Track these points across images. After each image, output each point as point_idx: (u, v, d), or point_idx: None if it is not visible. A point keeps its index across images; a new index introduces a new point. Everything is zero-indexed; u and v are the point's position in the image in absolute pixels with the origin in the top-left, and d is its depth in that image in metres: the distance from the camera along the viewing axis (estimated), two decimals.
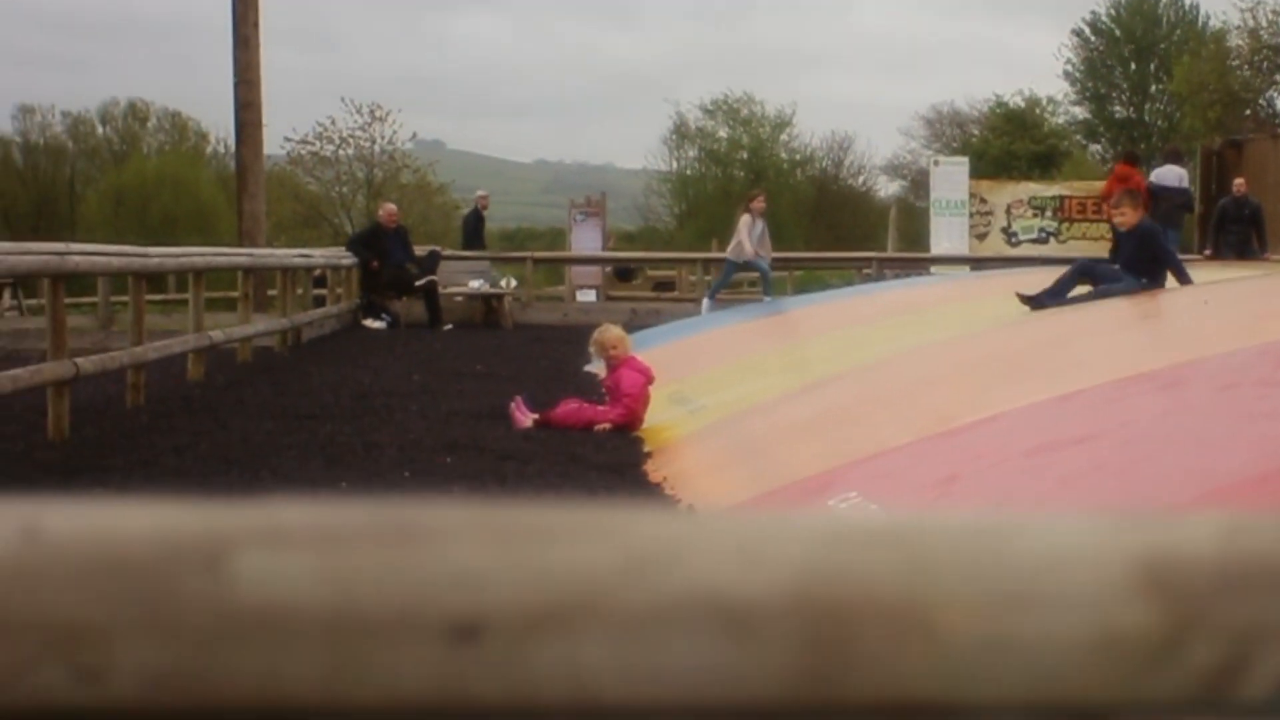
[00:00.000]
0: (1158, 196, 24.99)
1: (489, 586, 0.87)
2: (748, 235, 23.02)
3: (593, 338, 12.16)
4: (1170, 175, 25.46)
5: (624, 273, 33.09)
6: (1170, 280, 13.75)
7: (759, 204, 24.19)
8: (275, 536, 0.87)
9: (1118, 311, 13.08)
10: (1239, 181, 25.99)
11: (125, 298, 15.39)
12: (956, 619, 0.91)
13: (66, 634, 0.84)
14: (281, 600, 0.86)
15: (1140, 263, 13.51)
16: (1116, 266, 13.72)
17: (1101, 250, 29.25)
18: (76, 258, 11.68)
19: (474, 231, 31.30)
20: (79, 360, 11.37)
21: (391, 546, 0.88)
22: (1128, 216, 13.69)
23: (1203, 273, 17.15)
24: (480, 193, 33.62)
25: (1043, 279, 14.04)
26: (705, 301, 24.12)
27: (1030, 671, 0.91)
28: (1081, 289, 13.60)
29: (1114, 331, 12.19)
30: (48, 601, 0.84)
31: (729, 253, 23.62)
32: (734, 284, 35.72)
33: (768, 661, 0.89)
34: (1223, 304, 12.41)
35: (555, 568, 0.88)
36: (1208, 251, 25.52)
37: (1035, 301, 13.43)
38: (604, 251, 31.96)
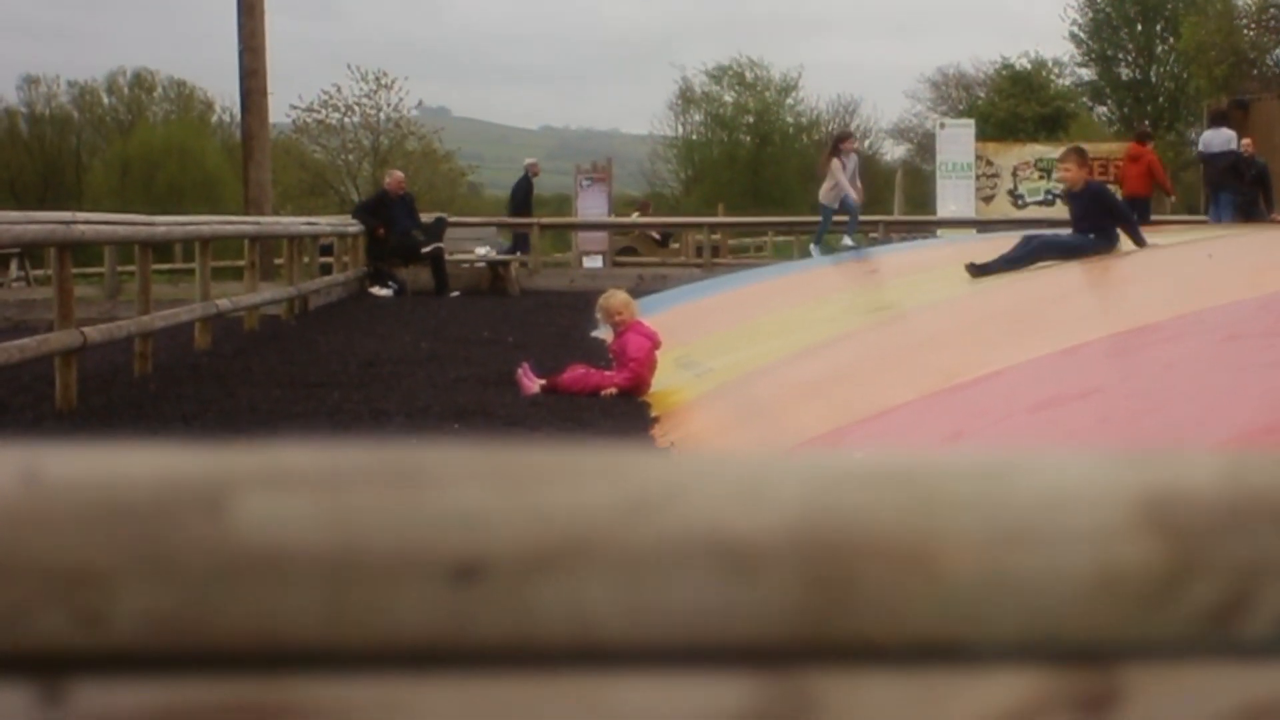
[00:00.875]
0: (1207, 161, 24.85)
1: (490, 527, 0.87)
2: (843, 177, 22.29)
3: (599, 303, 12.11)
4: (1219, 139, 25.21)
5: (664, 238, 33.05)
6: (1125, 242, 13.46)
7: (849, 144, 23.48)
8: (276, 479, 0.87)
9: (1120, 266, 13.07)
10: (1246, 141, 25.76)
11: (132, 268, 15.38)
12: (958, 557, 0.90)
13: (67, 578, 0.84)
14: (282, 542, 0.86)
15: (1089, 222, 13.28)
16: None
17: None
18: (82, 227, 11.65)
19: (523, 199, 31.24)
20: (86, 330, 11.35)
21: (392, 488, 0.88)
22: (1073, 173, 13.40)
23: (1204, 234, 17.13)
24: (530, 160, 33.59)
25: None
26: (813, 248, 23.54)
27: (1032, 609, 0.91)
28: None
29: (1117, 286, 12.18)
30: (48, 545, 0.84)
31: (823, 198, 22.80)
32: (739, 249, 35.71)
33: (769, 600, 0.89)
34: (1225, 257, 12.40)
35: (556, 508, 0.88)
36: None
37: (981, 269, 13.26)
38: (610, 218, 31.88)
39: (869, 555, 0.90)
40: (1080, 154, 14.11)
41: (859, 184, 23.25)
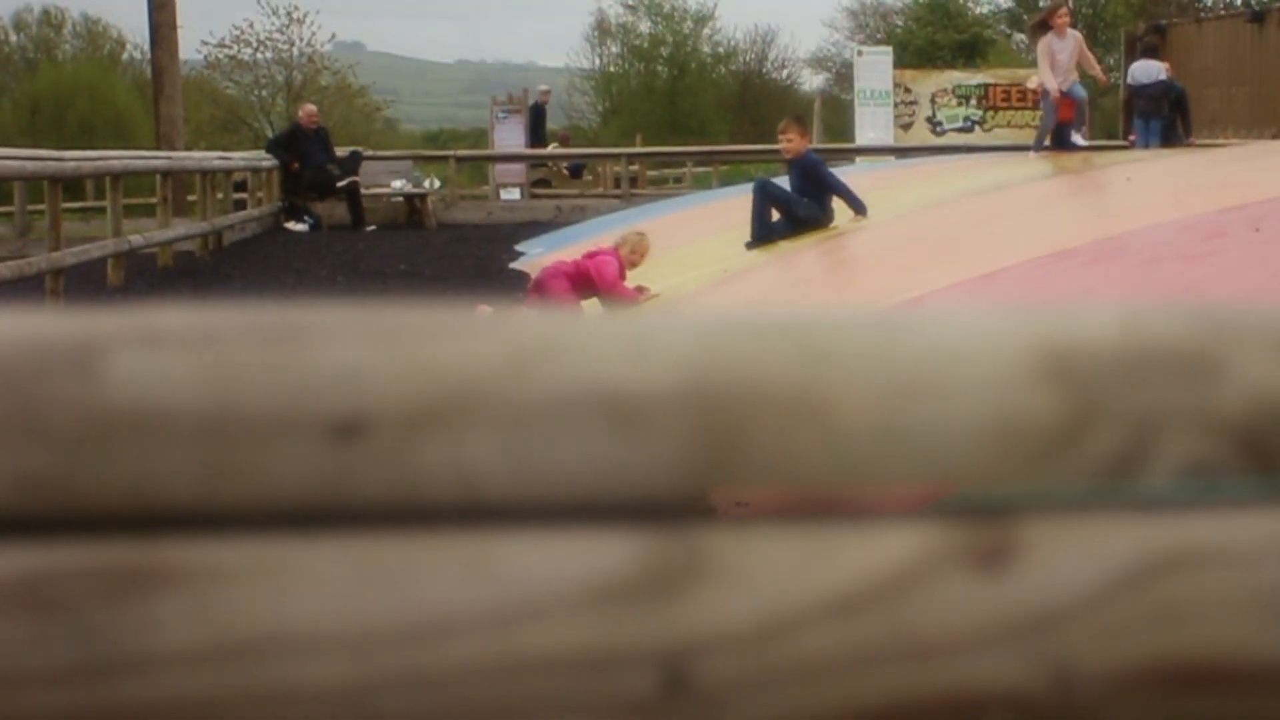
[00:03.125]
0: (1136, 93, 24.91)
1: (371, 384, 0.85)
2: (1059, 59, 18.53)
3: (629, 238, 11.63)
4: (1146, 71, 25.25)
5: (575, 169, 32.87)
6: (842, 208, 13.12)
7: (1062, 18, 19.00)
8: (150, 338, 0.84)
9: (1041, 191, 13.11)
10: (1164, 65, 25.87)
11: (43, 207, 15.21)
12: (851, 409, 0.89)
13: None
14: (156, 401, 0.83)
15: (806, 191, 13.08)
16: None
17: (1026, 138, 29.34)
18: None
19: (535, 128, 31.17)
20: None
21: (271, 346, 0.85)
22: (794, 144, 13.02)
23: (1128, 157, 17.22)
24: (542, 88, 33.49)
25: (959, 166, 13.97)
26: (1031, 154, 19.83)
27: (927, 460, 0.90)
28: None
29: (1036, 210, 12.22)
30: None
31: (1039, 86, 19.50)
32: (658, 180, 35.60)
33: (658, 455, 0.87)
34: (1145, 180, 12.46)
35: (439, 364, 0.86)
36: (1132, 137, 25.51)
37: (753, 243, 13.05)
38: (526, 149, 31.73)
39: (759, 408, 0.88)
40: (800, 124, 13.65)
41: (1091, 60, 19.36)
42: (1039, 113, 29.59)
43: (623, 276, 10.96)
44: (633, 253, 11.22)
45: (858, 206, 12.92)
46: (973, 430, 0.90)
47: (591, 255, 11.14)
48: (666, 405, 0.87)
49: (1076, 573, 0.90)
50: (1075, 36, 19.26)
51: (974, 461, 0.90)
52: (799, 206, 12.81)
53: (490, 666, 0.84)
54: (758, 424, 0.88)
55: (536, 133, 31.14)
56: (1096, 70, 19.99)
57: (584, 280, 10.91)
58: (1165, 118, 24.32)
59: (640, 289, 11.03)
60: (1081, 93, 20.28)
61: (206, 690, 0.83)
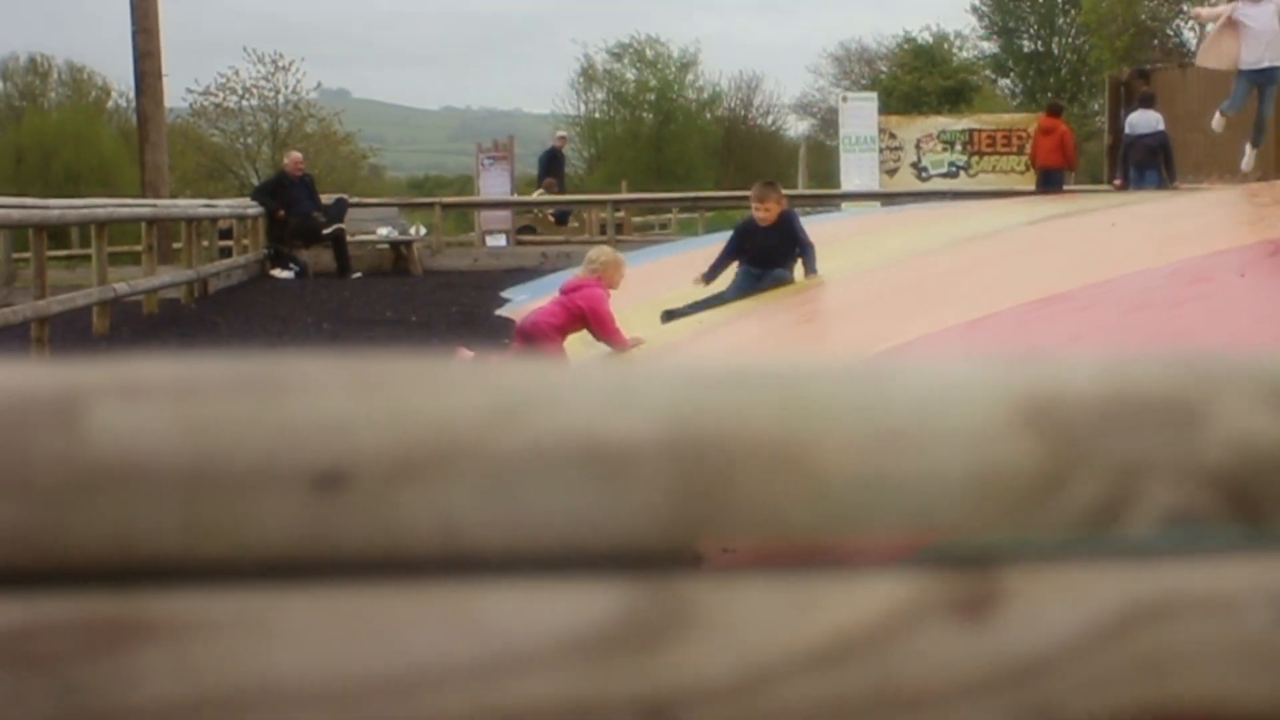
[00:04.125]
0: (1133, 142, 24.98)
1: (353, 434, 0.85)
2: (1251, 28, 16.32)
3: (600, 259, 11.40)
4: (1145, 121, 25.29)
5: (561, 216, 32.89)
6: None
7: None
8: (131, 389, 0.84)
9: (1027, 237, 13.14)
10: (1160, 117, 25.82)
11: (28, 255, 15.20)
12: (834, 459, 0.89)
13: None
14: (138, 452, 0.83)
15: (781, 250, 12.55)
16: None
17: (1011, 182, 29.41)
18: None
19: (548, 172, 31.32)
20: None
21: (252, 396, 0.85)
22: (771, 211, 12.45)
23: (1115, 201, 17.26)
24: (560, 133, 33.61)
25: (945, 212, 13.99)
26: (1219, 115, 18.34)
27: (910, 510, 0.90)
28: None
29: (1023, 255, 12.24)
30: None
31: (1206, 60, 17.72)
32: (644, 227, 35.62)
33: (641, 504, 0.87)
34: (1131, 226, 12.48)
35: (421, 414, 0.86)
36: (1118, 182, 25.57)
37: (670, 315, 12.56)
38: (513, 196, 31.77)
39: (742, 458, 0.88)
40: (776, 190, 12.97)
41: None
42: (1023, 158, 29.69)
43: (608, 295, 10.90)
44: (608, 274, 11.09)
45: (812, 267, 12.55)
46: (955, 480, 0.90)
47: (574, 288, 11.03)
48: (649, 455, 0.87)
49: (1060, 622, 0.90)
50: (1273, 4, 16.87)
51: (957, 511, 0.90)
52: (766, 279, 12.50)
53: (472, 718, 0.84)
54: (741, 474, 0.88)
55: (552, 175, 31.30)
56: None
57: (574, 318, 10.84)
58: (1159, 168, 24.39)
59: (635, 339, 10.93)
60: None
61: None
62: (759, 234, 12.60)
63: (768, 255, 12.56)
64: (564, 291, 11.07)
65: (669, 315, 12.45)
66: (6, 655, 0.81)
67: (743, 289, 12.54)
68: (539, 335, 10.69)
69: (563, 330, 10.79)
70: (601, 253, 11.49)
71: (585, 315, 10.76)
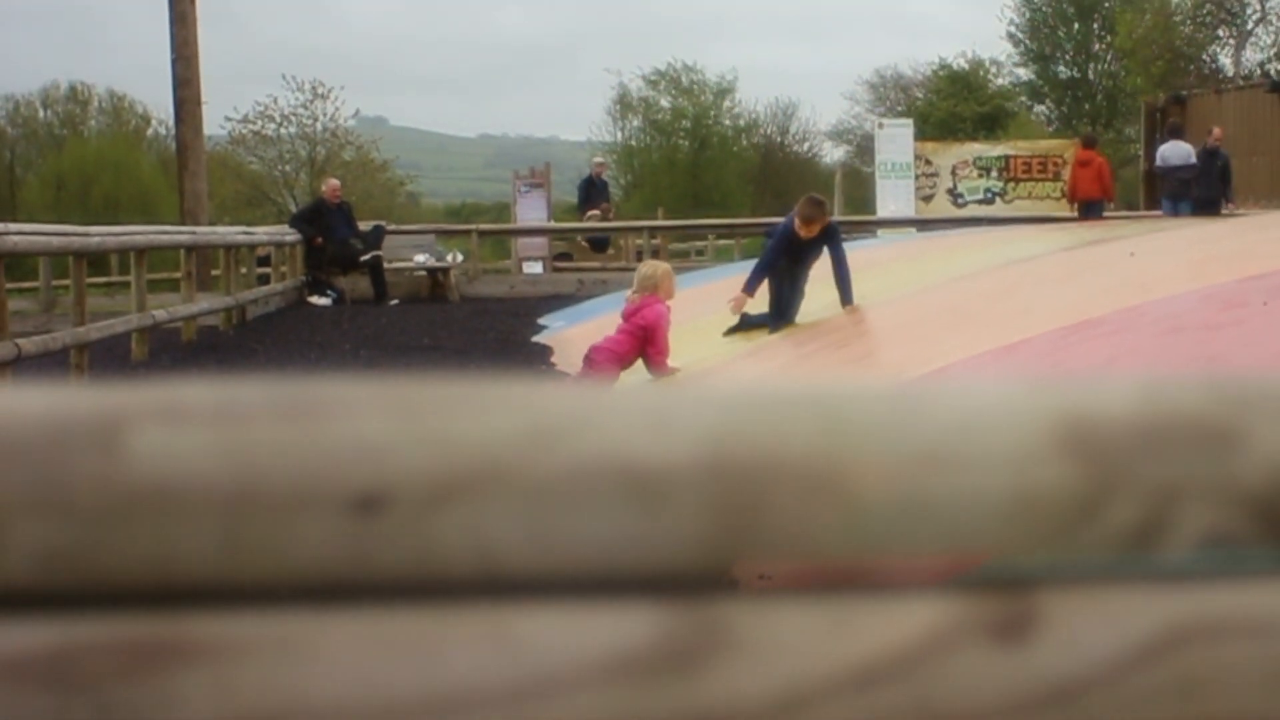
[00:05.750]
0: (1166, 174, 24.82)
1: (392, 458, 0.85)
2: None
3: (654, 274, 11.43)
4: (1177, 153, 25.05)
5: (600, 243, 32.90)
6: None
7: None
8: (171, 413, 0.85)
9: (1061, 262, 13.12)
10: (1217, 131, 25.16)
11: (68, 281, 15.27)
12: (871, 481, 0.89)
13: None
14: (177, 476, 0.83)
15: (818, 257, 12.59)
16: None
17: (1046, 209, 29.33)
18: (15, 237, 11.55)
19: (588, 198, 31.43)
20: (20, 341, 11.26)
21: (291, 421, 0.86)
22: (815, 230, 12.34)
23: (1156, 226, 17.22)
24: (597, 159, 33.69)
25: (981, 238, 13.94)
26: None
27: (947, 532, 0.90)
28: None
29: (1059, 281, 12.22)
30: None
31: None
32: (680, 254, 35.62)
33: (678, 528, 0.87)
34: (1166, 250, 12.46)
35: (460, 438, 0.86)
36: (1157, 214, 25.32)
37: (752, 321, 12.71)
38: (550, 223, 31.81)
39: (779, 481, 0.88)
40: (824, 210, 12.91)
41: None
42: (1060, 184, 29.61)
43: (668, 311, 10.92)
44: (663, 286, 11.11)
45: (849, 297, 12.48)
46: (992, 502, 0.90)
47: (636, 310, 10.98)
48: (686, 478, 0.87)
49: (1097, 644, 0.90)
50: None
51: (994, 533, 0.90)
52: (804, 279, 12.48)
53: None
54: (777, 497, 0.88)
55: (591, 204, 31.32)
56: None
57: (636, 343, 10.80)
58: (1193, 200, 24.16)
59: (673, 369, 10.89)
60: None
61: None
62: (802, 245, 12.57)
63: (807, 262, 12.57)
64: (626, 318, 11.07)
65: (735, 329, 12.54)
66: (48, 676, 0.82)
67: (794, 298, 12.54)
68: (599, 362, 10.66)
69: (623, 359, 10.77)
70: (653, 268, 11.48)
71: (647, 332, 10.75)
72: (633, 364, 10.78)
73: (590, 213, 31.46)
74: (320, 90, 55.66)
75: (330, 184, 26.10)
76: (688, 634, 0.86)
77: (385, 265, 24.70)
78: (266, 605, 0.84)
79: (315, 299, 23.80)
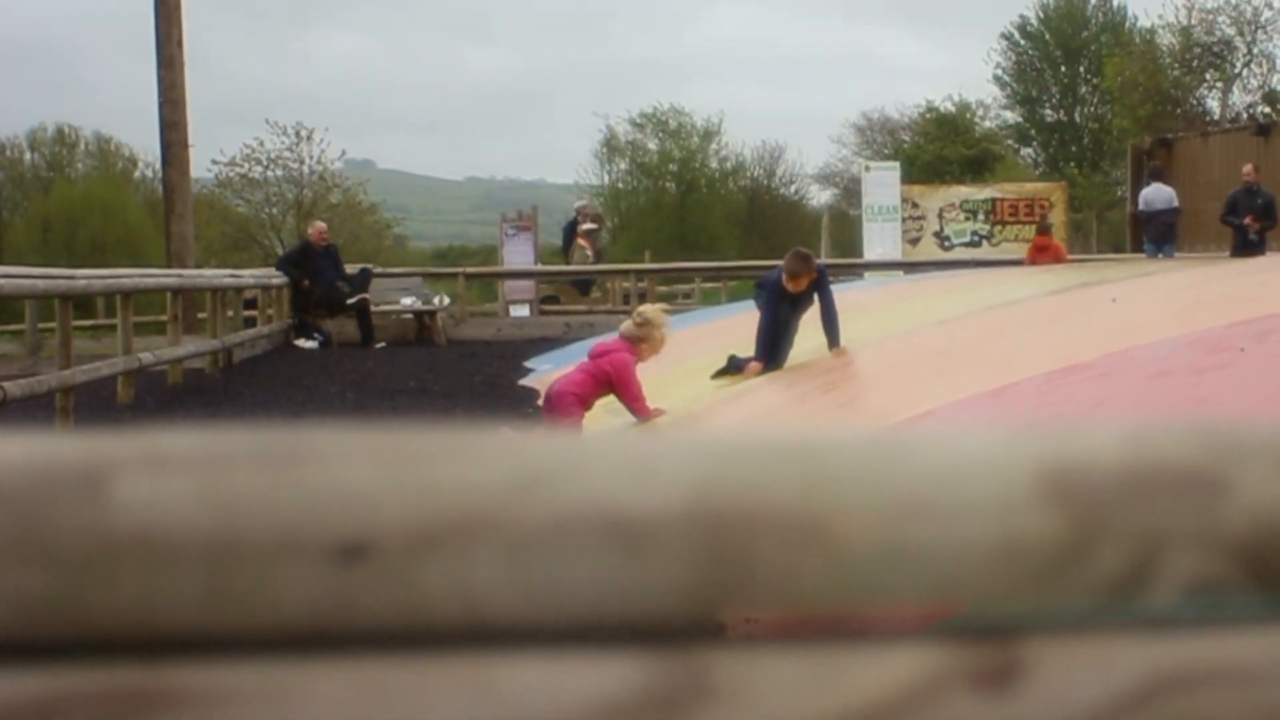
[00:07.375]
0: (1149, 218, 24.88)
1: (376, 506, 0.85)
2: None
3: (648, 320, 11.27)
4: (1160, 197, 25.08)
5: (584, 286, 32.91)
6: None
7: None
8: (155, 461, 0.85)
9: (1047, 306, 13.14)
10: (1249, 168, 24.50)
11: (53, 324, 15.26)
12: (855, 529, 0.89)
13: None
14: (161, 524, 0.83)
15: (809, 304, 12.56)
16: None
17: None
18: (1, 280, 11.55)
19: (571, 242, 31.54)
20: (5, 384, 11.25)
21: (275, 468, 0.85)
22: (803, 284, 12.40)
23: (1142, 269, 17.26)
24: (579, 203, 33.81)
25: (967, 280, 13.95)
26: None
27: (931, 580, 0.90)
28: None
29: (1045, 325, 12.24)
30: None
31: None
32: (667, 297, 35.69)
33: (663, 576, 0.87)
34: (1153, 296, 12.48)
35: (444, 486, 0.86)
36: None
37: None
38: (536, 266, 31.85)
39: (763, 529, 0.88)
40: (811, 264, 12.95)
41: None
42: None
43: (636, 364, 10.75)
44: (649, 335, 10.94)
45: (836, 340, 12.51)
46: (976, 550, 0.90)
47: (603, 353, 10.93)
48: (671, 526, 0.87)
49: (1083, 692, 0.90)
50: None
51: (978, 581, 0.90)
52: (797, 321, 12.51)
53: None
54: (762, 545, 0.88)
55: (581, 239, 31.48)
56: None
57: (601, 384, 10.76)
58: (1176, 241, 24.21)
59: (657, 410, 10.84)
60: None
61: None
62: (791, 298, 12.59)
63: (799, 310, 12.59)
64: (592, 356, 11.03)
65: (723, 371, 12.55)
66: None
67: (784, 344, 12.59)
68: (563, 405, 10.63)
69: (586, 400, 10.73)
70: (652, 314, 11.31)
71: (612, 381, 10.72)
72: (594, 404, 10.73)
73: (578, 242, 31.51)
74: (303, 133, 55.67)
75: (316, 227, 26.11)
76: (672, 682, 0.86)
77: (372, 308, 24.71)
78: (251, 654, 0.84)
79: (302, 342, 23.78)
